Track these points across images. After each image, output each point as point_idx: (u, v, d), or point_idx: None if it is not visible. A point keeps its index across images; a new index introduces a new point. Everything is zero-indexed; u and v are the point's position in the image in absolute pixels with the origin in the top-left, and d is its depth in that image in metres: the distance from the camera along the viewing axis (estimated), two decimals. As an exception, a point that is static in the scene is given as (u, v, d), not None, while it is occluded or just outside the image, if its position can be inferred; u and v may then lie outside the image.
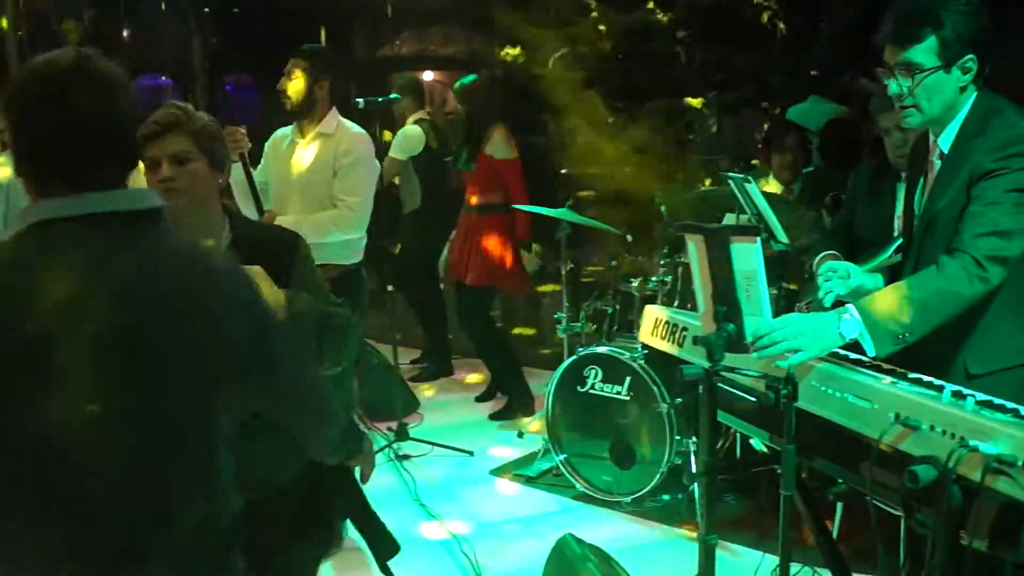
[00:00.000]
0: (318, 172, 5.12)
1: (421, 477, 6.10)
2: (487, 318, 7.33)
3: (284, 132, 5.33)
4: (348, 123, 5.25)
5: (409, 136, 7.59)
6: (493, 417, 7.19)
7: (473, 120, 6.93)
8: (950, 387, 2.70)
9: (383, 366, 7.16)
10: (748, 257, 2.84)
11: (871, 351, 2.93)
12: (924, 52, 3.03)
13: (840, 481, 3.39)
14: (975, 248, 2.95)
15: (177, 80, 12.74)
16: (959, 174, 3.09)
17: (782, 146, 6.37)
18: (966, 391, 2.69)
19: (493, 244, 6.97)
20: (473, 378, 8.17)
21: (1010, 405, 2.60)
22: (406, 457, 6.40)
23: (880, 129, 4.50)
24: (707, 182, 8.36)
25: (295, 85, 5.17)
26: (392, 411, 6.68)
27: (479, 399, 7.60)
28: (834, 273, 3.33)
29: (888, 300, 2.96)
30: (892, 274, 3.54)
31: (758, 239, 2.81)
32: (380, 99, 6.66)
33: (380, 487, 5.92)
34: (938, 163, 3.22)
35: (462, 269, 7.05)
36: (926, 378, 2.84)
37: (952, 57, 3.03)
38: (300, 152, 5.21)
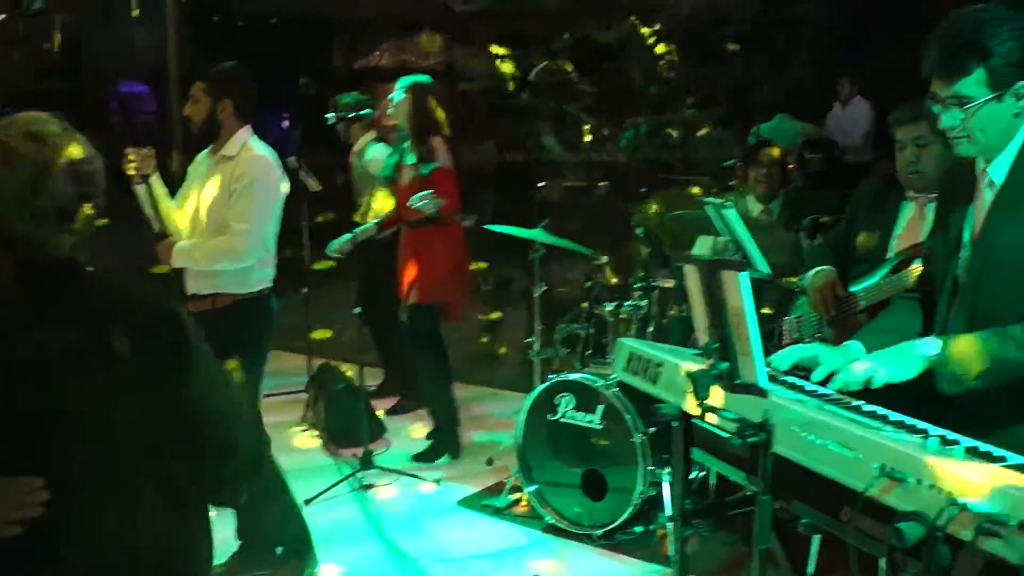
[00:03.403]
0: (217, 197, 4.93)
1: (387, 508, 5.93)
2: (440, 339, 6.82)
3: (202, 155, 5.15)
4: (255, 145, 5.00)
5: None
6: (417, 458, 6.70)
7: (423, 125, 6.50)
8: (936, 431, 2.56)
9: (349, 389, 6.97)
10: (736, 292, 2.69)
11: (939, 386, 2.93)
12: (974, 84, 2.85)
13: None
14: None
15: (155, 87, 12.66)
16: (1018, 210, 2.95)
17: (757, 161, 6.21)
18: (952, 435, 2.55)
19: (440, 257, 6.62)
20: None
21: (997, 452, 2.46)
22: (371, 487, 6.18)
23: (895, 142, 4.37)
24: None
25: (196, 109, 5.00)
26: (357, 437, 6.46)
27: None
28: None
29: (969, 347, 2.90)
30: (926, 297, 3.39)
31: (744, 274, 2.65)
32: (351, 114, 6.48)
33: (344, 519, 5.79)
34: (988, 192, 3.06)
35: (408, 287, 6.65)
36: (909, 420, 2.71)
37: (1004, 85, 2.85)
38: (208, 176, 5.03)
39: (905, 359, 2.92)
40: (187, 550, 2.48)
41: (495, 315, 9.04)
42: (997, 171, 3.01)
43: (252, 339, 4.95)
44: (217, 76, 5.03)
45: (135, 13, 13.13)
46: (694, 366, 2.97)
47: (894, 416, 2.74)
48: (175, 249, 4.87)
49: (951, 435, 2.57)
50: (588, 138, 10.30)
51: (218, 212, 4.90)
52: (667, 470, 5.16)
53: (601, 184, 10.31)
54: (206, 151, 5.10)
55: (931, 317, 3.28)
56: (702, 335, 2.95)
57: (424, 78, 6.69)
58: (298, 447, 7.06)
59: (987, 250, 3.02)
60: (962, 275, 3.12)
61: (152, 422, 2.37)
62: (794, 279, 4.98)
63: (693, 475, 5.43)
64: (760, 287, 5.08)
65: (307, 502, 5.84)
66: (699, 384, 2.79)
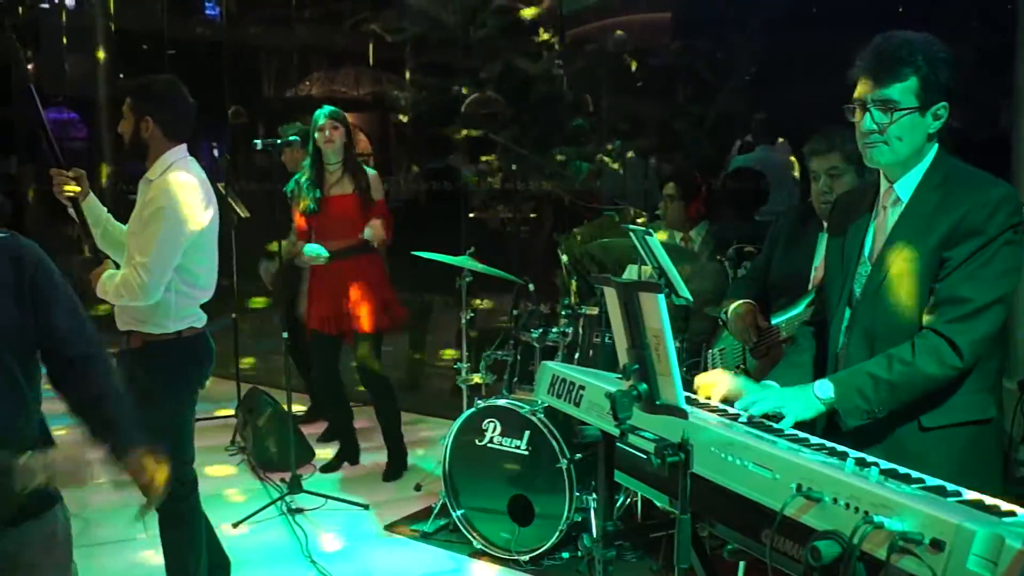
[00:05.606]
0: (134, 223, 4.50)
1: (314, 532, 5.91)
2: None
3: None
4: (178, 169, 4.48)
5: None
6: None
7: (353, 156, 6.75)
8: (854, 454, 2.62)
9: (277, 414, 6.95)
10: (654, 313, 2.74)
11: (843, 424, 3.06)
12: (904, 91, 3.02)
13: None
14: (954, 332, 3.00)
15: (84, 114, 12.58)
16: (924, 226, 3.08)
17: (661, 194, 6.29)
18: (870, 459, 2.61)
19: (381, 284, 6.81)
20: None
21: (915, 475, 2.51)
22: (299, 511, 6.19)
23: (810, 172, 4.46)
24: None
25: (124, 126, 4.56)
26: (285, 462, 6.45)
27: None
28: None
29: (859, 378, 3.06)
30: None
31: (661, 295, 2.71)
32: (279, 140, 6.47)
33: (271, 543, 5.77)
34: (892, 210, 3.19)
35: (352, 318, 6.67)
36: (829, 444, 2.76)
37: (929, 101, 3.03)
38: (139, 199, 4.56)
39: (804, 403, 3.07)
40: None
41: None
42: (903, 189, 3.15)
43: (164, 387, 4.49)
44: (139, 91, 4.56)
45: (64, 40, 13.06)
46: (615, 388, 3.01)
47: (814, 440, 2.80)
48: (100, 278, 4.43)
49: (869, 458, 2.64)
50: (514, 167, 10.35)
51: (131, 241, 4.48)
52: (594, 495, 5.20)
53: (532, 215, 10.40)
54: None
55: (825, 341, 3.38)
56: (622, 356, 2.99)
57: (332, 109, 6.70)
58: (227, 471, 7.04)
59: (888, 264, 3.15)
60: (859, 291, 3.23)
61: None
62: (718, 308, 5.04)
63: (619, 501, 5.48)
64: (687, 316, 5.15)
65: (235, 525, 5.84)
66: (619, 404, 2.82)
